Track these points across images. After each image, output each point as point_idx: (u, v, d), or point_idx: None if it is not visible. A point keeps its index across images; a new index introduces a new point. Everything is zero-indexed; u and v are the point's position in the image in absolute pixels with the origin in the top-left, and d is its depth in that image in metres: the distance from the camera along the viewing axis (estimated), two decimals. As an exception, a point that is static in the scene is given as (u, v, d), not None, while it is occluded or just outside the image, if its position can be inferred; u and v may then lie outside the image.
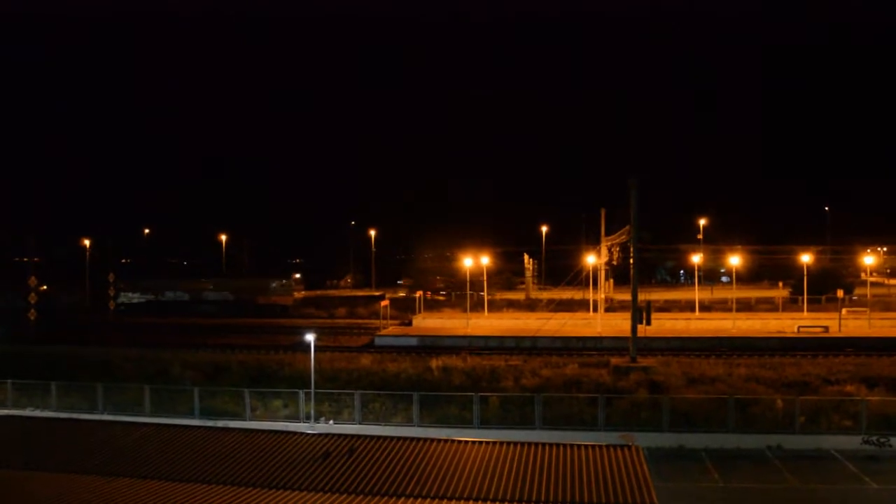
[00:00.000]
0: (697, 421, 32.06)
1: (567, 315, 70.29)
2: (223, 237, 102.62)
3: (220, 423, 30.23)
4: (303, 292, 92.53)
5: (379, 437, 20.58)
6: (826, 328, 58.24)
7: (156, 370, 42.95)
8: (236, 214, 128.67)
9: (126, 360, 46.09)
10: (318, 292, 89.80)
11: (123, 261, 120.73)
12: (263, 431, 22.06)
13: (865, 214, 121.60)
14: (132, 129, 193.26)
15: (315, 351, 33.92)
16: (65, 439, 20.48)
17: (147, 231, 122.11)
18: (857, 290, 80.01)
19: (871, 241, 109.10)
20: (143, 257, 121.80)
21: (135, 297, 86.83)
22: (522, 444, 19.67)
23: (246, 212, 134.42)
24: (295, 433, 21.60)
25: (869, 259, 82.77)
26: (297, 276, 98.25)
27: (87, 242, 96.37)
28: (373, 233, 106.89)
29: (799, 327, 59.23)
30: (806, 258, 70.18)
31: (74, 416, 32.00)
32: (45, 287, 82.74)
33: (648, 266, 72.51)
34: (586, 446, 19.39)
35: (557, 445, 19.45)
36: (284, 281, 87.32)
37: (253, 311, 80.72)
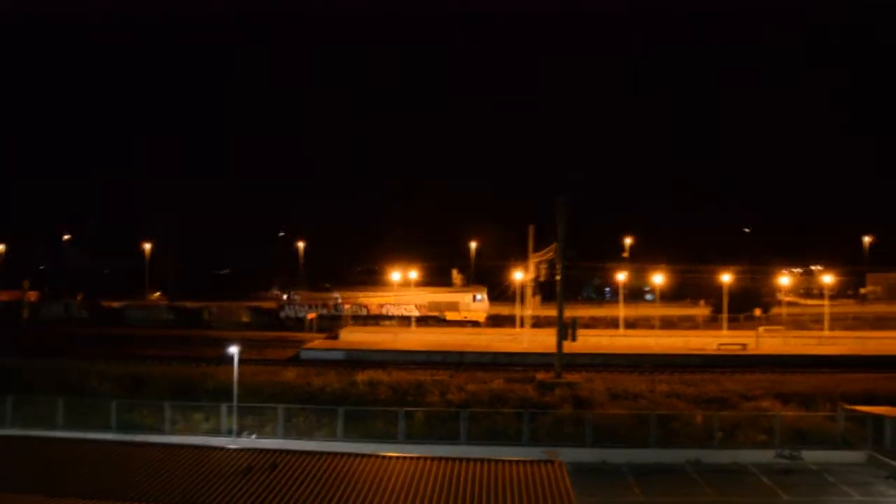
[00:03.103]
0: (620, 436, 32.61)
1: (494, 330, 70.85)
2: (147, 246, 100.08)
3: (139, 438, 29.43)
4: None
5: (302, 452, 20.34)
6: (744, 346, 59.93)
7: (71, 382, 41.41)
8: (162, 221, 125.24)
9: (39, 371, 44.37)
10: (243, 303, 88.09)
11: (41, 267, 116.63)
12: (183, 446, 21.58)
13: (782, 236, 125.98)
14: (51, 129, 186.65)
15: (238, 363, 33.29)
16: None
17: (67, 237, 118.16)
18: (774, 310, 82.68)
19: (786, 262, 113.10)
20: (62, 264, 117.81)
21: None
22: (447, 459, 19.70)
23: (170, 220, 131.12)
24: (216, 448, 21.17)
25: (784, 279, 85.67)
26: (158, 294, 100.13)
27: (1, 247, 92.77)
28: (301, 244, 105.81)
29: (719, 345, 60.78)
30: (726, 278, 72.29)
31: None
32: None
33: (575, 283, 73.73)
34: (510, 462, 19.52)
35: (482, 461, 19.53)
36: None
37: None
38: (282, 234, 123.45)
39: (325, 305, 77.67)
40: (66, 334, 69.23)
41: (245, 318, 79.10)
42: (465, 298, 76.67)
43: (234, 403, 32.49)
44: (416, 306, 75.04)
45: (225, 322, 79.38)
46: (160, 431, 32.77)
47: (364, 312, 76.80)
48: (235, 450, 20.81)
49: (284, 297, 79.99)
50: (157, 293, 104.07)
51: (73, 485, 17.61)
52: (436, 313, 76.64)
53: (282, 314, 78.22)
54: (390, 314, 75.55)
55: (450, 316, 76.19)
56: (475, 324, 74.25)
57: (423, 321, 74.10)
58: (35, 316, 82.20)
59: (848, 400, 36.73)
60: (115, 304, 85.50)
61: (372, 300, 77.54)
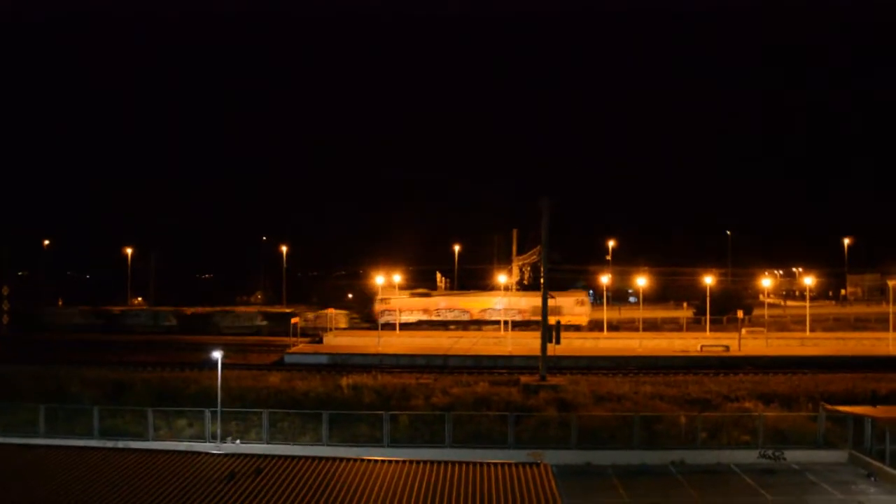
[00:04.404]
0: (604, 438, 32.71)
1: (478, 333, 70.80)
2: (128, 251, 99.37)
3: (121, 444, 29.24)
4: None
5: (287, 457, 20.25)
6: (727, 347, 60.31)
7: (53, 388, 41.02)
8: (143, 226, 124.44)
9: (20, 377, 43.94)
10: (198, 309, 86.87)
11: (20, 273, 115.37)
12: (167, 452, 21.43)
13: (764, 238, 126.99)
14: (34, 133, 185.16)
15: (222, 368, 33.11)
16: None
17: (47, 242, 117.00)
18: (756, 311, 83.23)
19: (768, 264, 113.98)
20: (40, 269, 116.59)
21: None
22: (432, 462, 19.68)
23: (153, 224, 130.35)
24: (200, 453, 21.04)
25: (766, 282, 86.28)
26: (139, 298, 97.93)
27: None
28: (284, 249, 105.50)
29: (702, 346, 61.16)
30: (709, 280, 72.69)
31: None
32: None
33: (559, 286, 73.63)
34: (496, 464, 19.53)
35: (467, 464, 19.53)
36: None
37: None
38: (264, 238, 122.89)
39: (425, 311, 75.18)
40: (77, 341, 68.28)
41: (261, 322, 76.46)
42: (568, 302, 74.50)
43: (219, 409, 32.30)
44: (518, 311, 73.57)
45: (238, 327, 77.69)
46: (143, 438, 32.50)
47: (466, 318, 74.03)
48: (219, 455, 20.70)
49: (381, 302, 75.74)
50: (139, 298, 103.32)
51: (53, 492, 17.44)
52: (538, 318, 75.03)
53: (381, 320, 74.67)
54: (492, 319, 72.68)
55: (552, 320, 74.69)
56: (577, 328, 72.47)
57: (522, 325, 72.22)
58: (48, 322, 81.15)
59: (829, 400, 37.03)
60: (116, 310, 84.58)
61: (473, 305, 74.97)
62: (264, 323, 76.58)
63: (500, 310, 72.25)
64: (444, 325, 74.21)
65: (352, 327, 73.88)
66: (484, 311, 74.23)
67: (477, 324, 73.72)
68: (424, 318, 74.16)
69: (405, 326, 72.38)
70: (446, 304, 76.12)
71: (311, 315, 76.58)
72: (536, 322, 71.64)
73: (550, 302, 75.41)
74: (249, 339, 71.49)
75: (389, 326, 69.85)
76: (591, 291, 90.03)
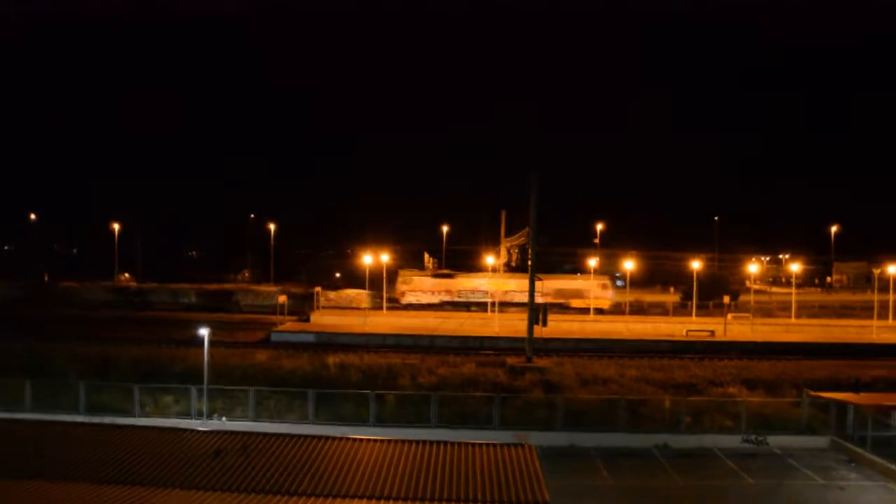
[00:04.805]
0: (589, 421, 32.89)
1: (465, 315, 71.01)
2: (116, 226, 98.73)
3: (107, 420, 29.16)
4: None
5: (273, 435, 20.28)
6: (712, 332, 60.71)
7: (39, 364, 40.86)
8: (130, 202, 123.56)
9: (6, 352, 43.74)
10: (215, 286, 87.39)
11: (6, 247, 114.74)
12: (153, 428, 21.42)
13: (750, 225, 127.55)
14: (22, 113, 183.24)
15: (209, 346, 33.08)
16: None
17: (33, 216, 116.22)
18: (742, 297, 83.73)
19: (755, 250, 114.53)
20: (26, 244, 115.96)
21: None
22: (418, 442, 19.75)
23: (140, 200, 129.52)
24: (186, 430, 21.04)
25: (753, 267, 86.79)
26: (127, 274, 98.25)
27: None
28: (272, 226, 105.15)
29: (688, 331, 61.54)
30: (696, 265, 73.01)
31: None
32: None
33: (547, 268, 73.81)
34: (481, 445, 19.61)
35: (453, 444, 19.60)
36: None
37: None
38: (252, 216, 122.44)
39: (448, 292, 74.81)
40: (101, 318, 68.50)
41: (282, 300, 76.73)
42: (591, 286, 74.87)
43: (205, 386, 32.31)
44: (541, 294, 73.53)
45: (258, 306, 77.87)
46: (129, 414, 32.47)
47: (488, 299, 73.27)
48: (205, 432, 20.69)
49: (403, 283, 75.88)
50: (126, 274, 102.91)
51: (39, 467, 17.41)
52: (561, 301, 74.57)
53: (403, 300, 74.46)
54: (514, 301, 71.98)
55: (574, 303, 74.23)
56: (600, 311, 72.80)
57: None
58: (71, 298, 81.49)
59: (813, 386, 37.39)
60: (135, 287, 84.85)
61: (497, 287, 74.30)
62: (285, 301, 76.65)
63: (522, 292, 72.38)
64: (466, 307, 74.05)
65: (374, 307, 73.51)
66: (506, 292, 73.96)
67: (500, 305, 73.95)
68: (447, 299, 73.91)
69: (428, 307, 72.20)
70: (470, 286, 75.99)
71: (332, 295, 76.70)
72: (559, 305, 72.35)
73: (574, 285, 75.84)
74: (236, 317, 71.55)
75: (412, 308, 69.52)
76: (617, 274, 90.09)
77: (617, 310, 74.24)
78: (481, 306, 73.64)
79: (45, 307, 74.43)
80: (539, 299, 72.55)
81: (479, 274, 78.42)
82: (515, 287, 72.38)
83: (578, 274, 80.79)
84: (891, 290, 68.74)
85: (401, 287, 75.28)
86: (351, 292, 75.88)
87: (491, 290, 73.13)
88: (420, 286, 74.87)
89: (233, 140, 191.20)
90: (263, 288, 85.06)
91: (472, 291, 75.42)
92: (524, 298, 69.82)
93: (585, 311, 72.44)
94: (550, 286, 73.79)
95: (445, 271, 78.94)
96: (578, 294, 74.84)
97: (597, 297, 74.31)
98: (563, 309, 73.16)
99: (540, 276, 72.99)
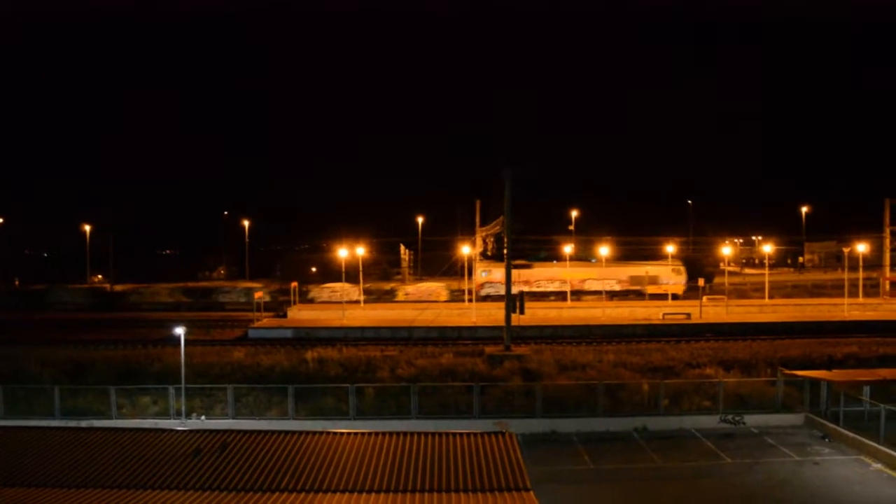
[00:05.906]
0: (569, 406, 33.11)
1: (442, 305, 71.09)
2: (87, 228, 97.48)
3: (84, 423, 28.92)
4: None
5: (253, 432, 20.21)
6: (688, 315, 61.26)
7: (12, 369, 40.28)
8: (102, 203, 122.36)
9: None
10: (190, 284, 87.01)
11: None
12: (131, 430, 21.24)
13: (724, 206, 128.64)
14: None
15: (185, 345, 32.83)
16: None
17: (1, 220, 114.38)
18: (717, 279, 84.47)
19: (728, 232, 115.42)
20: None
21: None
22: (399, 433, 19.78)
23: (111, 200, 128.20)
24: (165, 430, 20.91)
25: (727, 250, 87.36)
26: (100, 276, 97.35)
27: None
28: (246, 223, 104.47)
29: (664, 314, 62.05)
30: (671, 249, 73.52)
31: None
32: None
33: (522, 256, 73.97)
34: (462, 434, 19.68)
35: (433, 434, 19.65)
36: None
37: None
38: (226, 213, 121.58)
39: (526, 282, 73.68)
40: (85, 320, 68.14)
41: (258, 296, 76.23)
42: (665, 271, 75.17)
43: (182, 385, 32.08)
44: (616, 281, 73.10)
45: (238, 303, 77.85)
46: (106, 416, 32.17)
47: (566, 288, 73.63)
48: (184, 431, 20.58)
49: (483, 274, 74.48)
50: (99, 276, 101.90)
51: (13, 474, 17.22)
52: (637, 287, 74.81)
53: (482, 292, 73.05)
54: (592, 290, 72.66)
55: (650, 290, 74.29)
56: (675, 296, 73.11)
57: (622, 295, 72.52)
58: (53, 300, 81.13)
59: (787, 365, 37.89)
60: (118, 289, 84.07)
61: (573, 276, 74.48)
62: (268, 298, 75.89)
63: (599, 280, 72.82)
64: (543, 297, 74.06)
65: (371, 301, 73.25)
66: (583, 281, 74.55)
67: (577, 294, 73.91)
68: (525, 289, 73.63)
69: (502, 299, 72.09)
70: (547, 276, 76.05)
71: (410, 288, 76.51)
72: (635, 291, 72.94)
73: (649, 271, 76.13)
74: (213, 314, 71.21)
75: (491, 299, 69.04)
76: (593, 260, 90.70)
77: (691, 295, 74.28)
78: (559, 296, 74.33)
79: (16, 311, 73.52)
80: (616, 287, 73.50)
81: (556, 263, 79.24)
82: (596, 275, 73.64)
83: (649, 261, 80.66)
84: (860, 269, 69.71)
85: (479, 279, 75.04)
86: (431, 285, 75.66)
87: (569, 279, 73.95)
88: (500, 278, 75.21)
89: (233, 140, 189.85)
90: (244, 285, 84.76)
91: (550, 280, 75.75)
92: (601, 287, 71.25)
93: (663, 297, 73.01)
94: (625, 273, 74.93)
95: (522, 262, 78.44)
96: (654, 280, 75.48)
97: (672, 283, 75.06)
98: (639, 296, 74.01)
99: (615, 263, 73.97)
